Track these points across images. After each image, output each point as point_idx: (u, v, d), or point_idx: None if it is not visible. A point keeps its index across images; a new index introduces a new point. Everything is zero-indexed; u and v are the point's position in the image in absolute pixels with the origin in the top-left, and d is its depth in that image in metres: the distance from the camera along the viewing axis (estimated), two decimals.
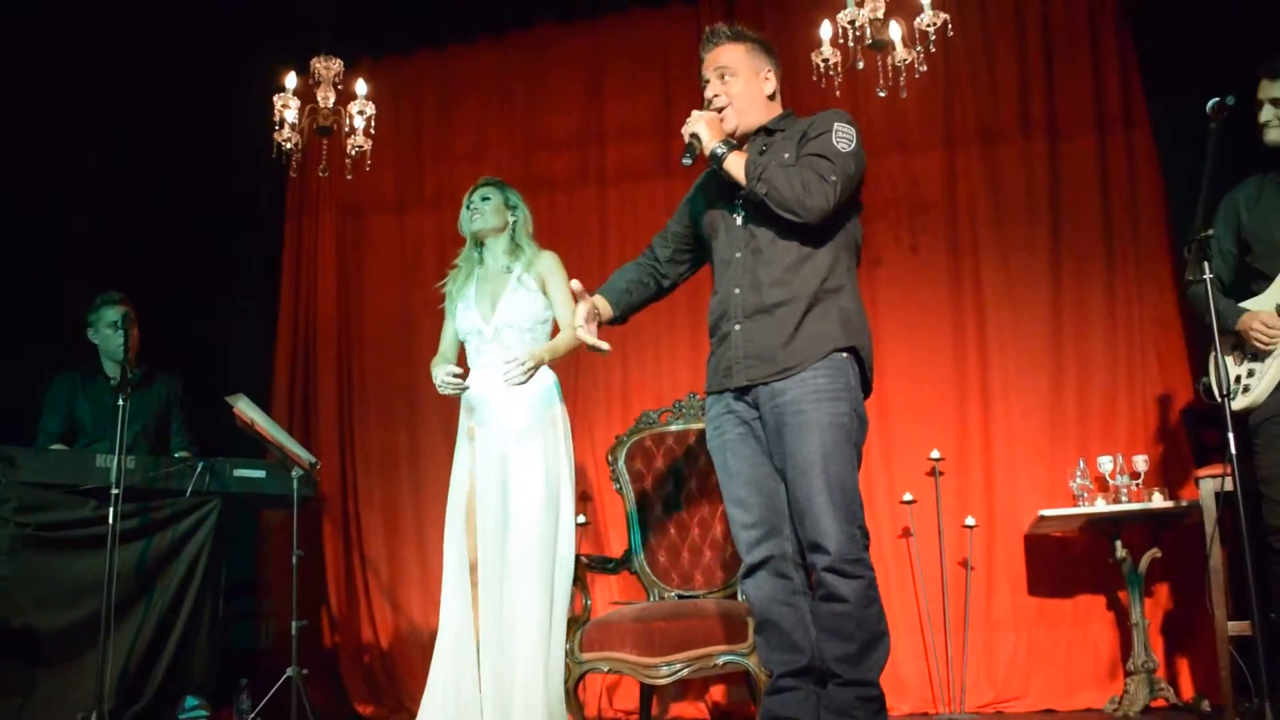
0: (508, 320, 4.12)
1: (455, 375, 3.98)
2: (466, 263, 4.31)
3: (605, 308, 3.37)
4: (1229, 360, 3.71)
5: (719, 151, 3.13)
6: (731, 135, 3.21)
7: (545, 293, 4.19)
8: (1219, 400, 3.46)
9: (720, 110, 3.22)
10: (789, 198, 3.02)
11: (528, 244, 4.26)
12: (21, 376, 5.55)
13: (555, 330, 4.21)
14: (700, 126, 3.16)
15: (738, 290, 3.15)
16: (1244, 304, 3.79)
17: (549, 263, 4.22)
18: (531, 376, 3.85)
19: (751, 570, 3.15)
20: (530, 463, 4.03)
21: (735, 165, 3.12)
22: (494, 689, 3.91)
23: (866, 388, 3.17)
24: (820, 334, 3.06)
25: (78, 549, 4.15)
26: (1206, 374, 3.87)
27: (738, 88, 3.24)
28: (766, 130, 3.23)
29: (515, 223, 4.29)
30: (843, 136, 3.09)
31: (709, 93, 3.27)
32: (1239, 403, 3.65)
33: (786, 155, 3.11)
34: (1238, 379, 3.67)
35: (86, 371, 4.90)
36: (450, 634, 3.97)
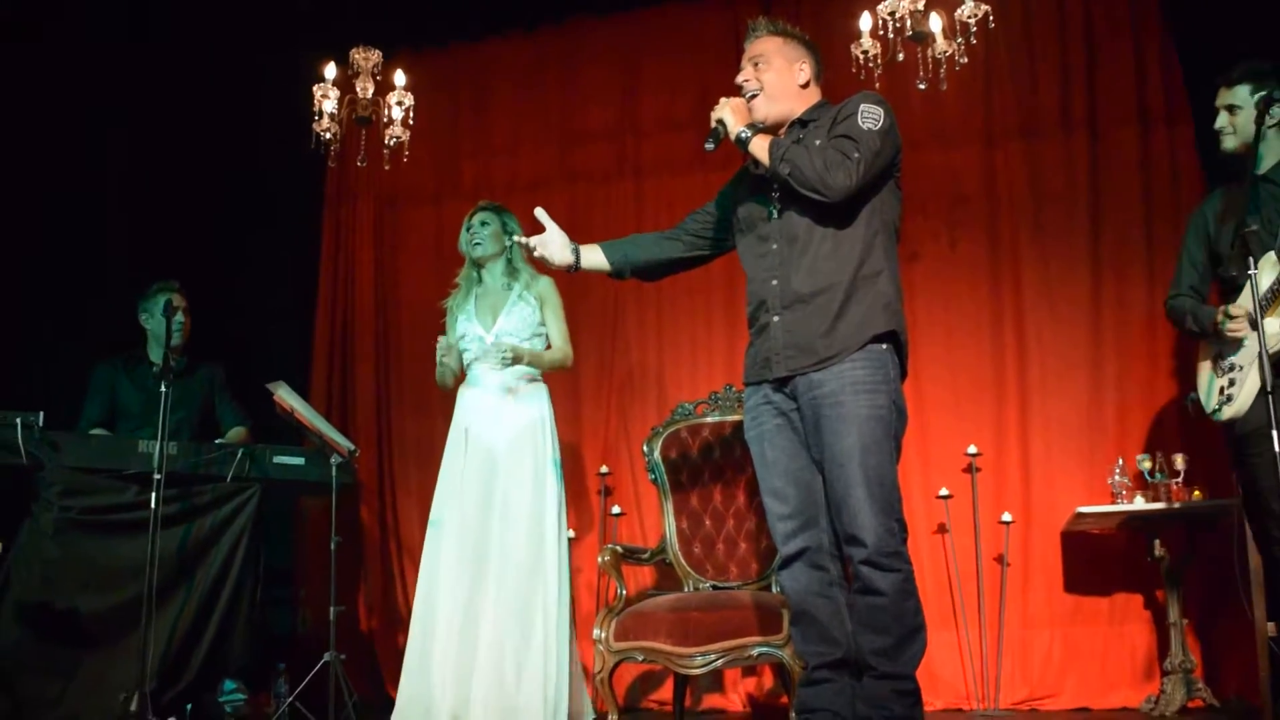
0: (507, 329, 4.45)
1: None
2: (466, 281, 4.68)
3: (598, 257, 3.49)
4: (1211, 372, 3.69)
5: (744, 135, 3.16)
6: (761, 122, 3.22)
7: (542, 310, 4.53)
8: (1209, 414, 3.50)
9: (750, 97, 3.24)
10: (811, 176, 3.03)
11: (524, 267, 4.58)
12: (64, 364, 5.63)
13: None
14: (725, 112, 3.19)
15: (775, 281, 3.16)
16: None
17: (547, 287, 4.56)
18: (509, 361, 4.33)
19: (787, 561, 3.16)
20: (519, 464, 4.34)
21: (759, 148, 3.14)
22: (496, 677, 4.11)
23: (902, 374, 3.16)
24: (860, 321, 3.06)
25: (120, 533, 4.20)
26: (1195, 387, 3.83)
27: (769, 75, 3.26)
28: (801, 121, 3.23)
29: (512, 246, 4.59)
30: (868, 116, 3.09)
31: (740, 79, 3.29)
32: (1224, 413, 3.61)
33: (818, 142, 3.11)
34: (1221, 390, 3.63)
35: (130, 358, 4.95)
36: (435, 628, 4.20)
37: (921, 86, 4.58)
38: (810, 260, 3.11)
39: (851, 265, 3.09)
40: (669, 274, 3.63)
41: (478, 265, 4.66)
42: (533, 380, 4.49)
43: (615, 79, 6.11)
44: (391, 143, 5.07)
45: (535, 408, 4.45)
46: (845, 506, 3.00)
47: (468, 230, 4.66)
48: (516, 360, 4.37)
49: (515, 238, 3.50)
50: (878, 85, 4.63)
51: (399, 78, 5.09)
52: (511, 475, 4.34)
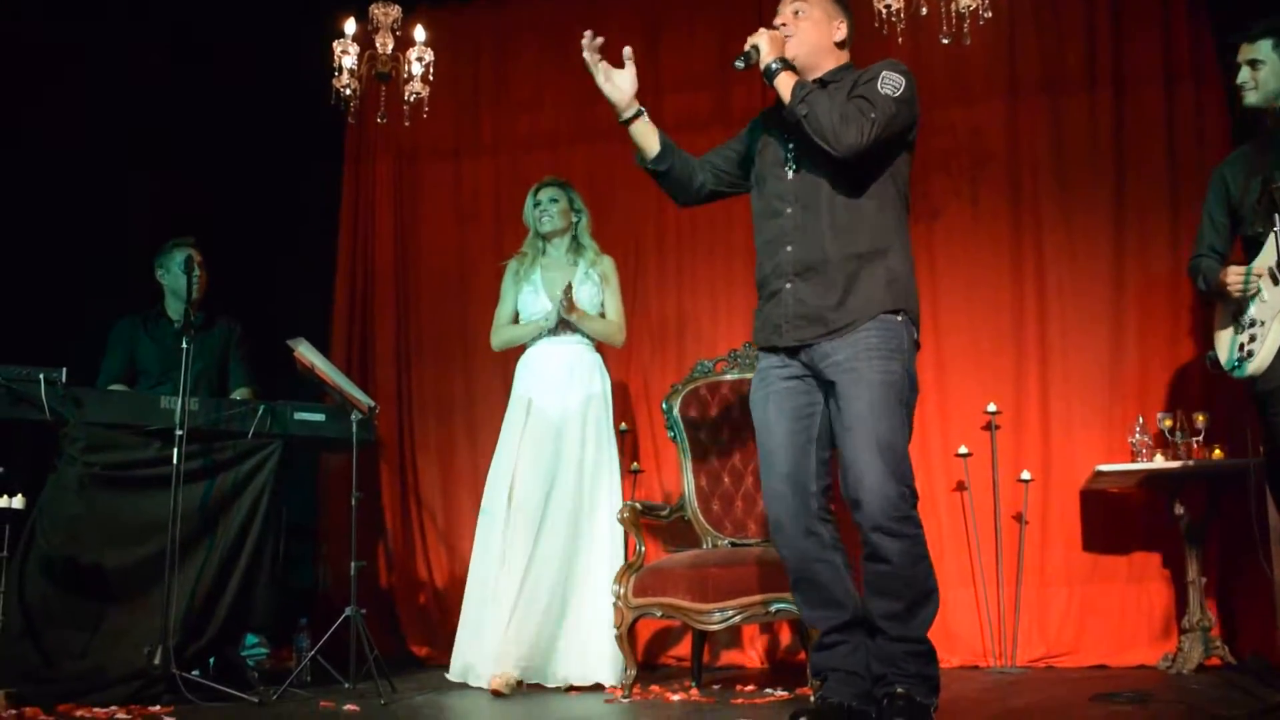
0: (576, 303, 4.66)
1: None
2: (532, 250, 4.89)
3: (651, 132, 3.38)
4: (1232, 329, 3.67)
5: (774, 66, 3.14)
6: (792, 59, 3.19)
7: (603, 288, 4.78)
8: (1227, 370, 3.48)
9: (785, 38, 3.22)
10: (825, 125, 3.01)
11: (590, 244, 4.85)
12: (86, 321, 5.65)
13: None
14: (762, 40, 3.17)
15: (789, 247, 3.15)
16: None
17: (609, 266, 4.84)
18: (566, 305, 4.57)
19: (777, 527, 3.16)
20: (585, 434, 4.64)
21: (785, 83, 3.12)
22: (550, 629, 4.48)
23: (916, 345, 3.16)
24: (869, 295, 3.06)
25: (143, 488, 4.23)
26: (1213, 346, 3.82)
27: (806, 24, 3.25)
28: (821, 82, 3.19)
29: (578, 223, 4.87)
30: (889, 82, 3.07)
31: (777, 20, 3.27)
32: (1246, 369, 3.58)
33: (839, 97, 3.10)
34: (1241, 346, 3.60)
35: (150, 315, 4.97)
36: (480, 581, 4.59)
37: (945, 41, 4.54)
38: (825, 229, 3.10)
39: (866, 237, 3.09)
40: (691, 198, 3.50)
41: (544, 238, 4.85)
42: (592, 354, 4.77)
43: (636, 36, 6.03)
44: (411, 99, 5.04)
45: (596, 380, 4.74)
46: (852, 470, 2.99)
47: (535, 205, 4.86)
48: (570, 309, 4.60)
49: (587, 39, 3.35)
50: (900, 40, 4.59)
51: (419, 33, 5.06)
52: (576, 445, 4.63)
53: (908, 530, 2.96)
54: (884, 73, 3.10)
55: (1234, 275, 3.58)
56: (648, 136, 3.36)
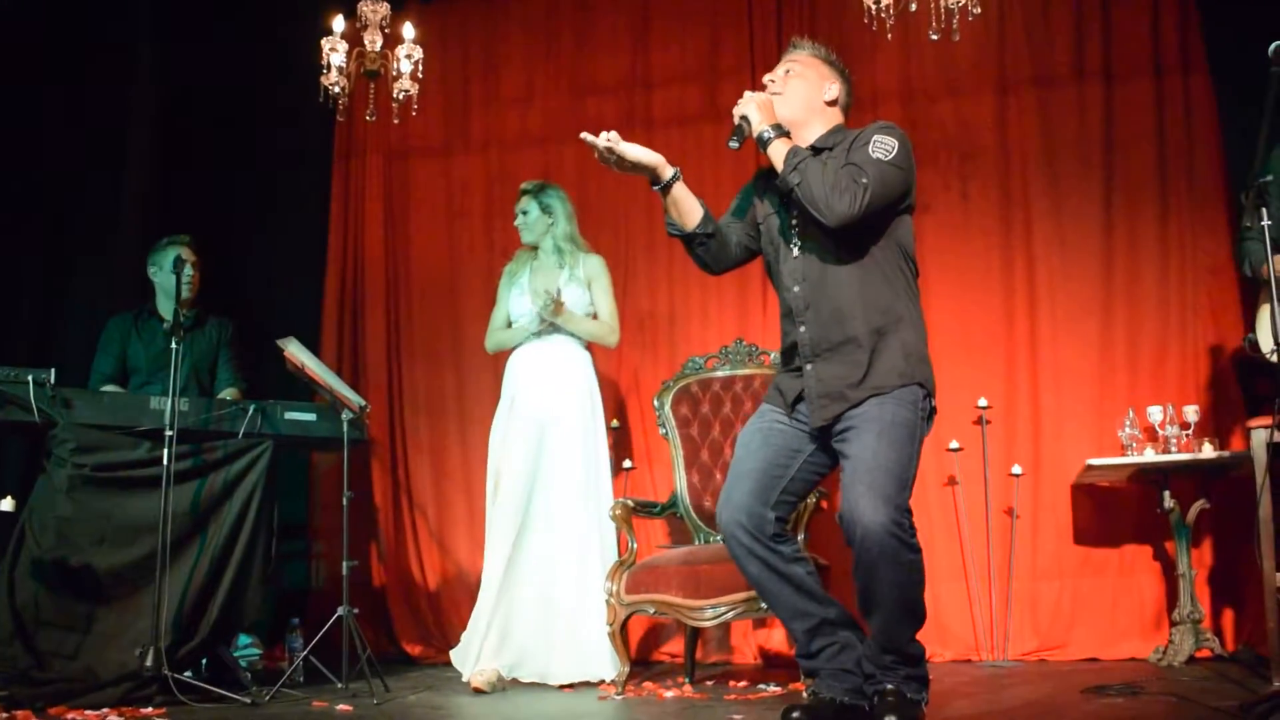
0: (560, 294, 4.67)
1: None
2: (525, 255, 4.91)
3: (692, 199, 3.23)
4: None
5: (766, 135, 3.11)
6: (782, 123, 3.16)
7: (590, 289, 4.75)
8: (1267, 354, 3.43)
9: (773, 95, 3.20)
10: (817, 195, 2.98)
11: (568, 248, 4.81)
12: (76, 321, 5.65)
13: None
14: (751, 109, 3.14)
15: (803, 328, 3.12)
16: None
17: (596, 266, 4.81)
18: (551, 307, 4.57)
19: (735, 548, 3.12)
20: (569, 430, 4.63)
21: (778, 152, 3.10)
22: (541, 627, 4.50)
23: (932, 412, 3.14)
24: (887, 370, 3.03)
25: (133, 489, 4.22)
26: (1254, 327, 3.82)
27: (797, 83, 3.22)
28: (814, 149, 3.16)
29: (553, 227, 4.82)
30: (880, 146, 3.04)
31: (768, 78, 3.26)
32: None
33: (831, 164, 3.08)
34: None
35: (141, 313, 4.96)
36: (492, 578, 4.53)
37: (934, 36, 4.53)
38: (834, 309, 3.07)
39: (876, 313, 3.06)
40: (729, 263, 3.37)
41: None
42: (580, 352, 4.76)
43: (626, 32, 6.06)
44: (400, 96, 5.03)
45: (581, 376, 4.73)
46: (851, 493, 2.95)
47: (515, 218, 4.90)
48: (558, 311, 4.61)
49: (583, 137, 3.12)
50: (890, 36, 4.59)
51: (408, 30, 5.05)
52: (560, 441, 4.62)
53: (902, 557, 2.91)
54: (875, 136, 3.07)
55: None
56: (689, 199, 3.23)
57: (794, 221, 3.17)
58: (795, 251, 3.16)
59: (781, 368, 3.28)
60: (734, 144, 3.12)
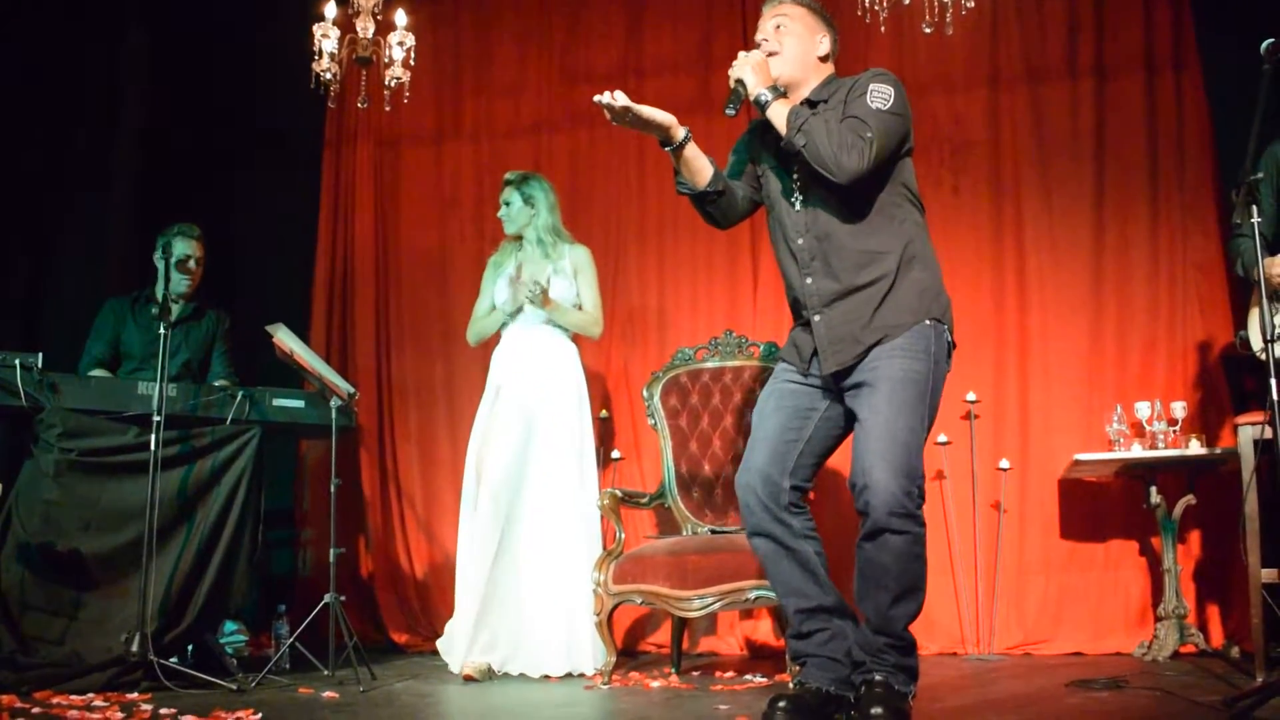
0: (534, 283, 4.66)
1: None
2: (511, 246, 4.90)
3: (702, 159, 3.20)
4: (1270, 307, 3.67)
5: (764, 98, 3.10)
6: (778, 83, 3.16)
7: (575, 280, 4.75)
8: (1257, 352, 3.44)
9: (768, 55, 3.18)
10: (825, 154, 2.98)
11: (550, 239, 4.80)
12: (64, 305, 5.63)
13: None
14: (745, 71, 3.11)
15: (809, 279, 3.12)
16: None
17: (582, 257, 4.80)
18: (537, 299, 4.58)
19: (748, 515, 3.14)
20: (557, 419, 4.63)
21: (778, 114, 3.08)
22: (528, 617, 4.49)
23: (950, 346, 3.14)
24: (899, 308, 3.04)
25: (121, 475, 4.21)
26: (1244, 325, 3.84)
27: (790, 40, 3.21)
28: (809, 103, 3.15)
29: (535, 218, 4.80)
30: (878, 95, 3.04)
31: (759, 37, 3.23)
32: (1278, 350, 3.60)
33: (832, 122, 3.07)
34: (1276, 327, 3.62)
35: (138, 298, 4.94)
36: (474, 565, 4.52)
37: (927, 30, 4.53)
38: (843, 257, 3.07)
39: (885, 257, 3.07)
40: (737, 217, 3.37)
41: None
42: (565, 341, 4.76)
43: (618, 19, 6.05)
44: (392, 83, 5.02)
45: (569, 368, 4.73)
46: (861, 462, 2.96)
47: (499, 208, 4.90)
48: (545, 303, 4.61)
49: (599, 99, 3.08)
50: (883, 29, 4.59)
51: (400, 17, 5.03)
52: (548, 430, 4.62)
53: (910, 528, 2.93)
54: (871, 85, 3.07)
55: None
56: (700, 158, 3.21)
57: (795, 177, 3.16)
58: (798, 205, 3.16)
59: (793, 316, 3.26)
60: (731, 111, 3.08)
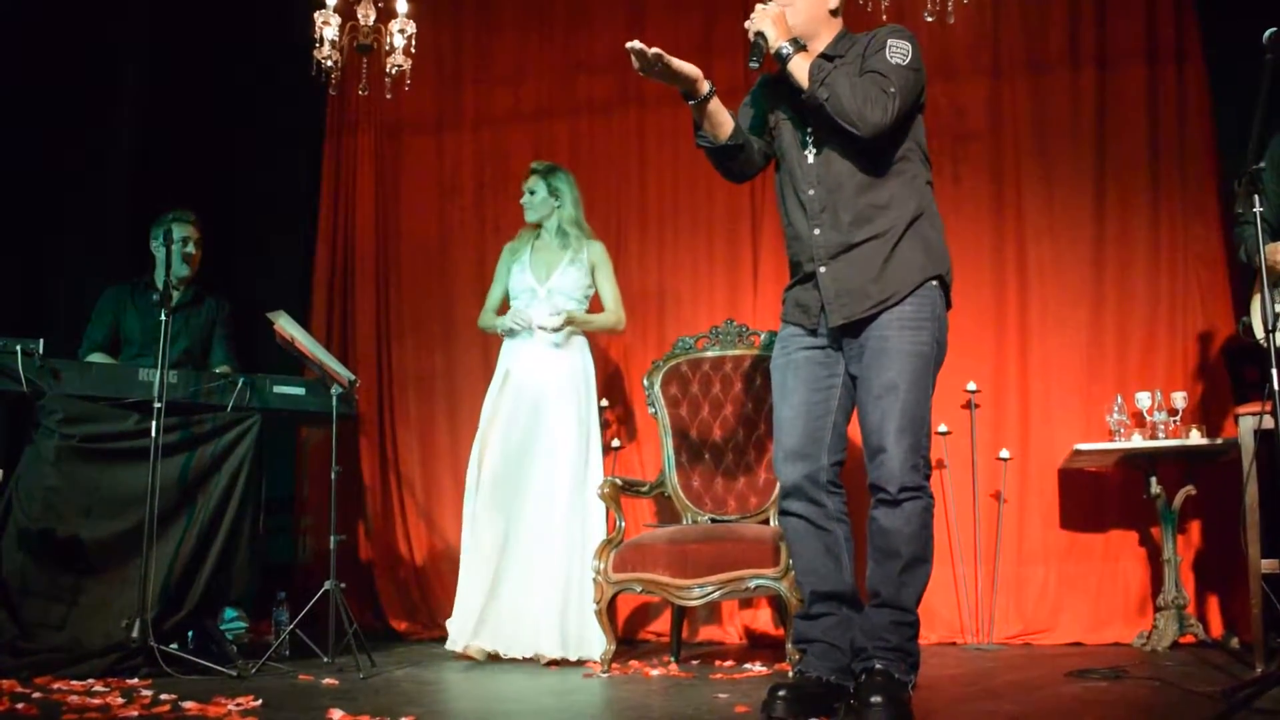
0: (559, 287, 4.77)
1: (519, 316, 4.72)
2: (527, 233, 4.96)
3: (724, 113, 3.20)
4: (1272, 294, 3.67)
5: (785, 51, 3.09)
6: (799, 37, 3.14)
7: (593, 274, 4.82)
8: (1259, 339, 3.44)
9: (783, 8, 3.16)
10: (849, 108, 2.99)
11: (573, 232, 4.85)
12: (65, 290, 5.62)
13: (595, 307, 4.89)
14: (766, 24, 3.10)
15: (817, 231, 3.12)
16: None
17: (599, 252, 4.86)
18: (561, 328, 4.66)
19: (785, 494, 3.17)
20: (564, 408, 4.65)
21: (799, 68, 3.07)
22: (528, 601, 4.49)
23: (948, 305, 3.17)
24: (908, 264, 3.06)
25: (121, 461, 4.21)
26: (1248, 312, 3.84)
27: None
28: (826, 57, 3.14)
29: (559, 209, 4.85)
30: (897, 51, 3.06)
31: None
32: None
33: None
34: (1278, 315, 3.62)
35: (138, 285, 4.94)
36: (475, 551, 4.61)
37: (929, 19, 4.53)
38: (854, 209, 3.08)
39: (894, 211, 3.08)
40: (753, 171, 3.34)
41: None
42: (574, 332, 4.79)
43: (619, 9, 6.03)
44: (393, 71, 5.01)
45: (578, 356, 4.77)
46: (874, 438, 3.02)
47: (522, 195, 4.92)
48: (569, 323, 4.69)
49: (631, 46, 3.05)
50: (885, 19, 4.58)
51: (401, 5, 5.02)
52: (555, 419, 4.65)
53: (920, 499, 3.00)
54: (890, 41, 3.08)
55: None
56: (722, 111, 3.20)
57: (809, 129, 3.16)
58: (810, 157, 3.16)
59: (791, 273, 3.26)
60: (754, 63, 3.09)
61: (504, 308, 4.91)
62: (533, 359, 4.72)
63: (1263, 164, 3.31)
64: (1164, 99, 5.25)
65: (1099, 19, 5.36)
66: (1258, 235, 3.23)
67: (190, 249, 4.88)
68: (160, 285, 4.87)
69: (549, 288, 4.77)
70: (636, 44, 3.03)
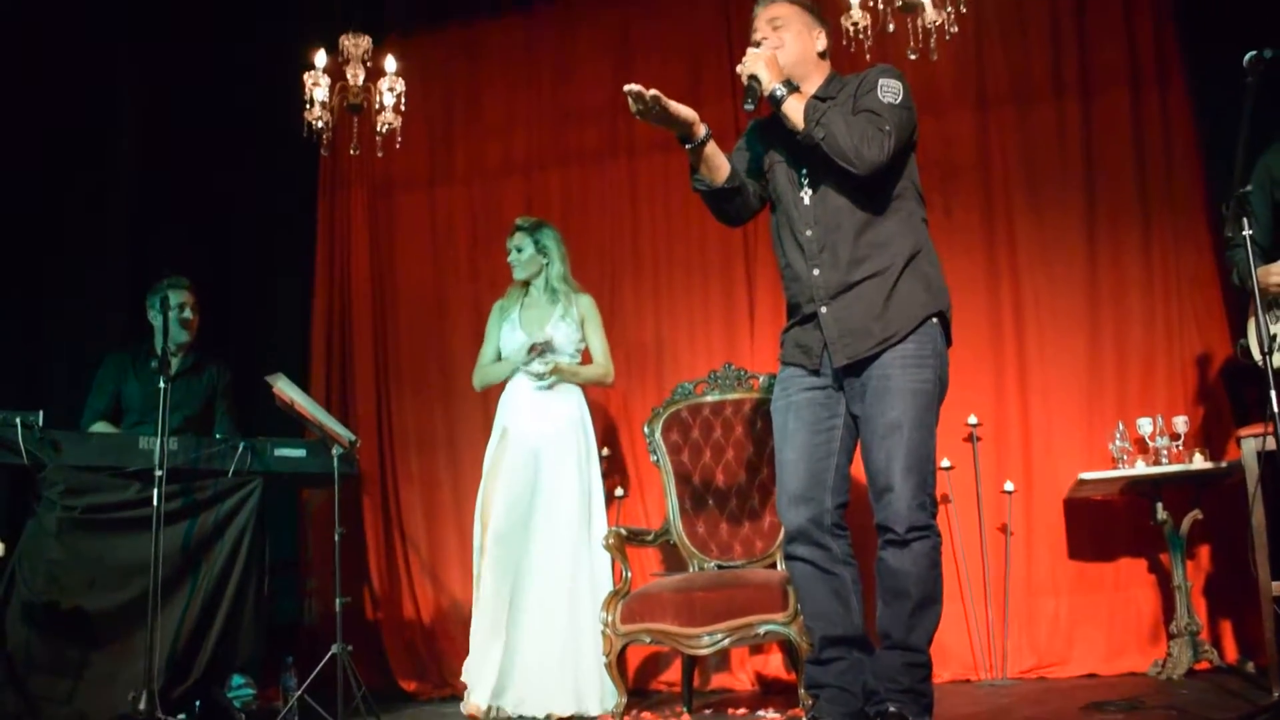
0: (551, 343, 4.72)
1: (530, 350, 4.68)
2: (515, 290, 4.95)
3: (723, 161, 3.23)
4: (1266, 318, 3.68)
5: (779, 93, 3.11)
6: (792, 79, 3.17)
7: (583, 328, 4.83)
8: (1258, 360, 3.44)
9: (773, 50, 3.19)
10: (846, 147, 3.01)
11: (562, 287, 4.86)
12: (63, 363, 5.62)
13: (585, 359, 4.88)
14: (759, 67, 3.12)
15: (816, 271, 3.13)
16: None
17: (588, 305, 4.87)
18: (548, 374, 4.66)
19: (790, 538, 3.16)
20: (563, 459, 4.64)
21: (794, 109, 3.09)
22: (538, 658, 4.44)
23: (948, 342, 3.18)
24: (909, 301, 3.07)
25: (124, 531, 4.20)
26: (1245, 334, 3.84)
27: (789, 35, 3.23)
28: (818, 98, 3.17)
29: (547, 266, 4.86)
30: (889, 90, 3.09)
31: (758, 36, 3.25)
32: (1277, 360, 3.60)
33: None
34: (1274, 337, 3.63)
35: (138, 353, 4.95)
36: (485, 607, 4.53)
37: (912, 57, 4.56)
38: (852, 248, 3.10)
39: (893, 249, 3.10)
40: (748, 215, 3.37)
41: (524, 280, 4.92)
42: (570, 384, 4.79)
43: (607, 59, 6.08)
44: (384, 129, 5.04)
45: (574, 406, 4.76)
46: (880, 478, 3.03)
47: (508, 254, 4.92)
48: (556, 372, 4.68)
49: (629, 89, 3.04)
50: (868, 58, 4.61)
51: (389, 63, 5.06)
52: (555, 470, 4.64)
53: (929, 538, 3.00)
54: (880, 80, 3.11)
55: (1277, 276, 3.67)
56: (719, 155, 3.23)
57: (804, 169, 3.18)
58: (807, 198, 3.17)
59: (789, 315, 3.26)
60: (749, 105, 3.10)
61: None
62: (529, 412, 4.70)
63: (1249, 187, 3.32)
64: (1148, 123, 5.27)
65: (1080, 47, 5.39)
66: (1248, 258, 3.23)
67: (188, 314, 4.89)
68: (160, 352, 4.89)
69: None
70: (635, 86, 3.04)
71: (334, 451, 4.42)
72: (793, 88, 3.13)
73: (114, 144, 6.02)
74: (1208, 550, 4.93)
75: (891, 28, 4.52)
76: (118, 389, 4.89)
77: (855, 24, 4.56)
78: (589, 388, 4.90)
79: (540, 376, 4.69)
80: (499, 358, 4.88)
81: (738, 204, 3.31)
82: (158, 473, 3.99)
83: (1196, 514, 4.64)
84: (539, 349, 4.65)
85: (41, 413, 4.21)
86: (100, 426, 4.77)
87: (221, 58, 6.12)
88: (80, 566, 4.13)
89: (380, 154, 5.20)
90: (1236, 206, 3.27)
